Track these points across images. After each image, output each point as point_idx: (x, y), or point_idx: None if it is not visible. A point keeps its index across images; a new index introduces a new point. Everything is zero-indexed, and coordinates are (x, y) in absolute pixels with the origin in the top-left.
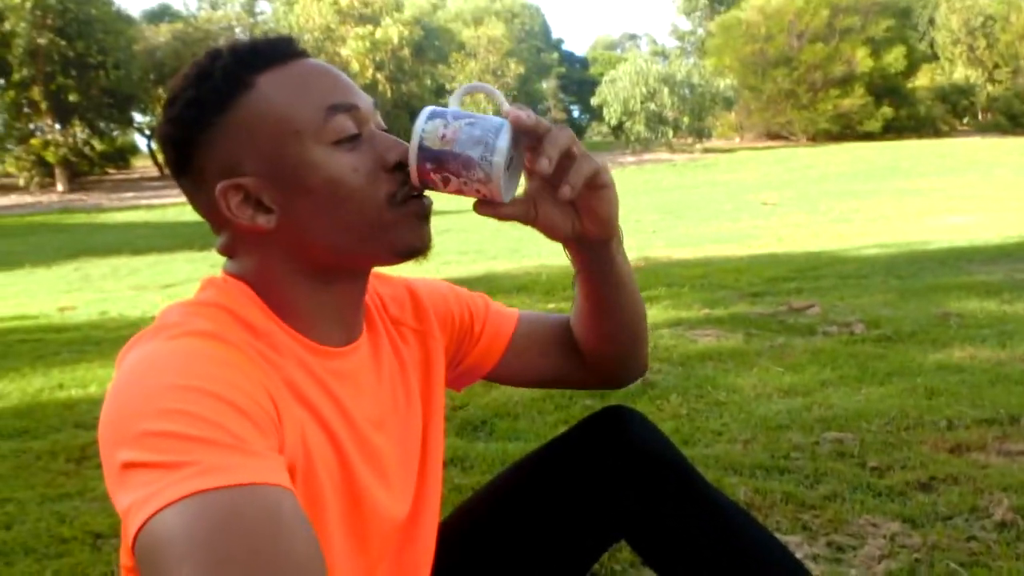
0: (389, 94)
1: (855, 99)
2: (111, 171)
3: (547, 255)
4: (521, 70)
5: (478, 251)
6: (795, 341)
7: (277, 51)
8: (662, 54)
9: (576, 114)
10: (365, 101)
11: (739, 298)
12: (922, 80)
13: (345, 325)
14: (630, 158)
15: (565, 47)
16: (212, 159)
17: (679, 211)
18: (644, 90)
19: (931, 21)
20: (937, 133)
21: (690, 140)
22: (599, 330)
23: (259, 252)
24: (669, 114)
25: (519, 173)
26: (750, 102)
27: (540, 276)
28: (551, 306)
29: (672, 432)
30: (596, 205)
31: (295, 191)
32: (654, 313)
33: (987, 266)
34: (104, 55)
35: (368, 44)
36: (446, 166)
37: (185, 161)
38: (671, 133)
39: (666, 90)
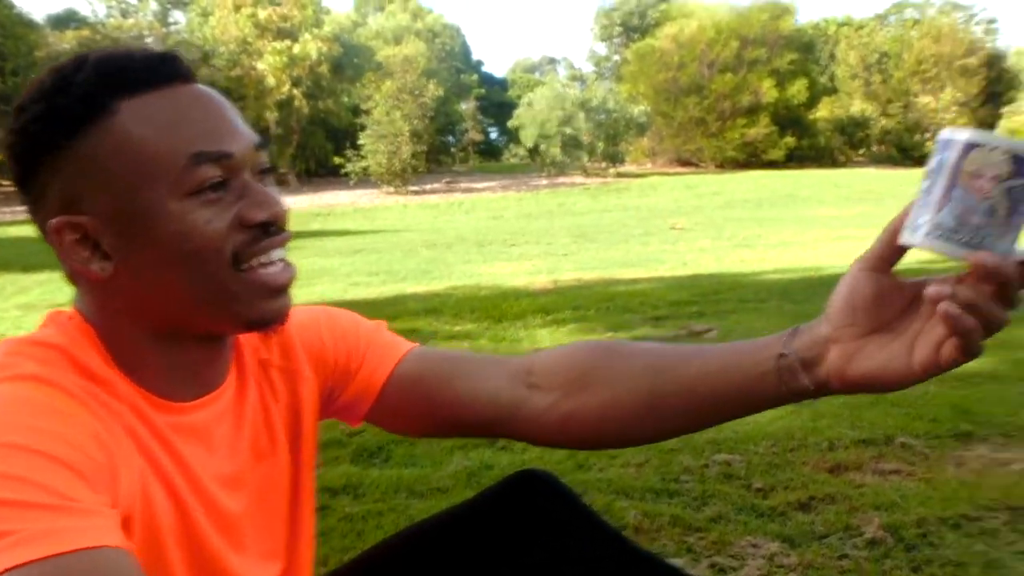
0: (305, 110)
1: (760, 128)
2: (4, 183)
3: (457, 277)
4: (440, 91)
5: (388, 272)
6: None
7: (152, 73)
8: (580, 79)
9: (494, 136)
10: (243, 144)
11: (642, 321)
12: (823, 112)
13: (198, 381)
14: (544, 181)
15: (485, 69)
16: (53, 186)
17: (591, 234)
18: (561, 114)
19: (832, 56)
20: (835, 163)
21: (604, 165)
22: (657, 426)
23: (99, 297)
24: (584, 138)
25: None
26: (662, 128)
27: (449, 298)
28: (458, 328)
29: (568, 457)
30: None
31: (139, 241)
32: (559, 335)
33: None
34: (3, 60)
35: (285, 59)
36: None
37: (26, 178)
38: (586, 157)
39: (582, 115)
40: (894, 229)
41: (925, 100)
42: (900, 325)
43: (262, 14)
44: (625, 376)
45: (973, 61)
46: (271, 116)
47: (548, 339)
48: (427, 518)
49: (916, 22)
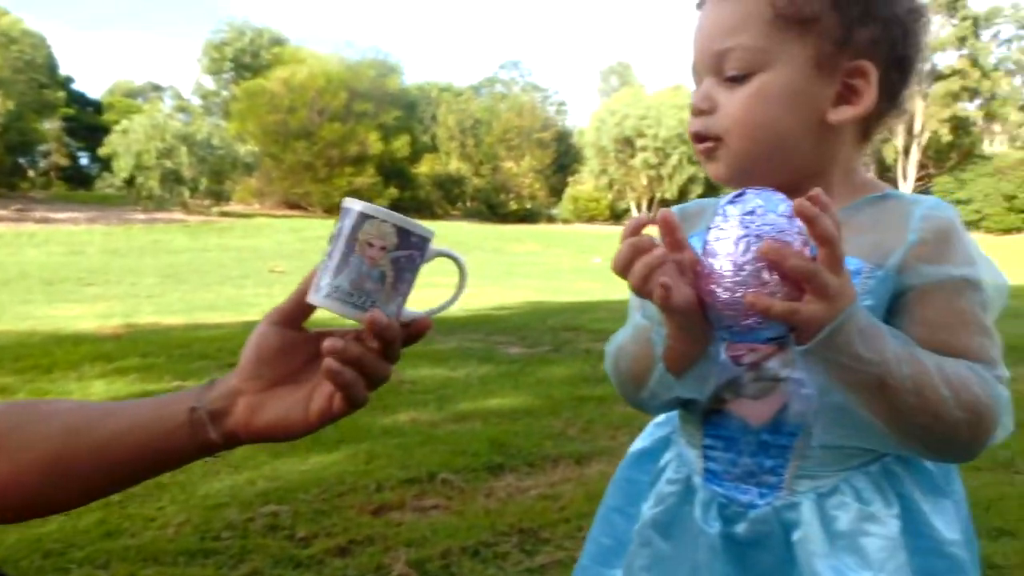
0: None
1: (367, 178)
2: None
3: (8, 320)
4: (11, 104)
5: None
6: None
7: None
8: (186, 111)
9: (85, 162)
10: None
11: (217, 368)
12: (424, 167)
13: None
14: (141, 216)
15: (76, 87)
16: None
17: (183, 275)
18: (160, 145)
19: (434, 117)
20: (434, 215)
21: (207, 202)
22: None
23: None
24: (187, 173)
25: None
26: (271, 170)
27: None
28: None
29: (97, 523)
30: None
31: None
32: (119, 386)
33: (446, 336)
34: None
35: None
36: None
37: None
38: (187, 193)
39: (184, 149)
40: (304, 288)
41: (509, 165)
42: (304, 376)
43: None
44: (36, 440)
45: (547, 135)
46: None
47: (104, 391)
48: None
49: (504, 96)
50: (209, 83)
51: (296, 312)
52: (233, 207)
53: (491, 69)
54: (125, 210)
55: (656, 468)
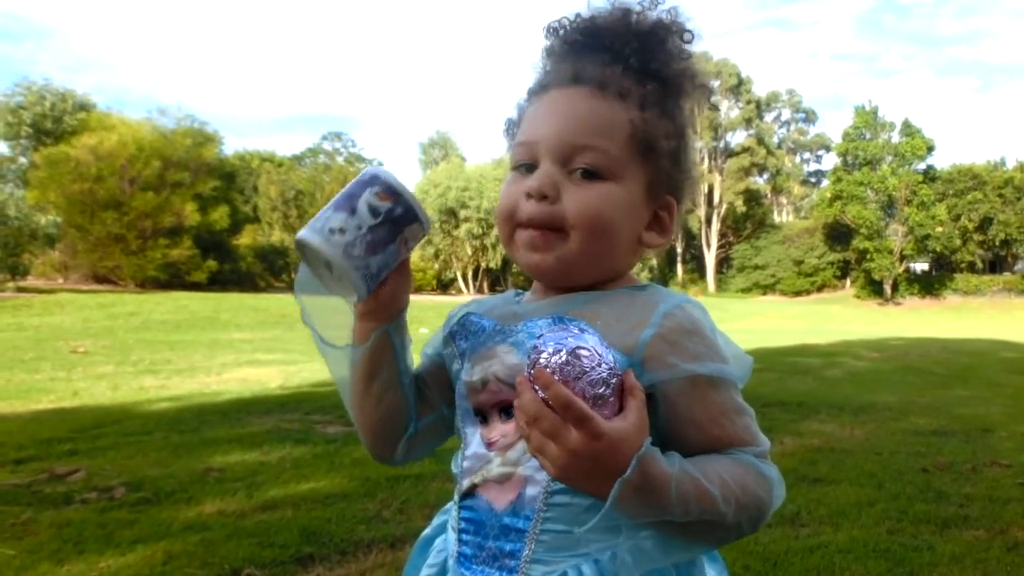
0: None
1: (183, 250)
2: None
3: None
4: None
5: None
6: (44, 515)
7: None
8: None
9: None
10: None
11: None
12: (246, 239)
13: None
14: None
15: None
16: None
17: None
18: None
19: (255, 187)
20: (256, 288)
21: (2, 277)
22: None
23: None
24: None
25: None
26: (77, 242)
27: None
28: None
29: None
30: None
31: None
32: None
33: (262, 416)
34: None
35: None
36: None
37: None
38: None
39: None
40: None
41: None
42: None
43: None
44: None
45: None
46: None
47: None
48: None
49: (327, 167)
50: (4, 149)
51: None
52: (31, 282)
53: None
54: None
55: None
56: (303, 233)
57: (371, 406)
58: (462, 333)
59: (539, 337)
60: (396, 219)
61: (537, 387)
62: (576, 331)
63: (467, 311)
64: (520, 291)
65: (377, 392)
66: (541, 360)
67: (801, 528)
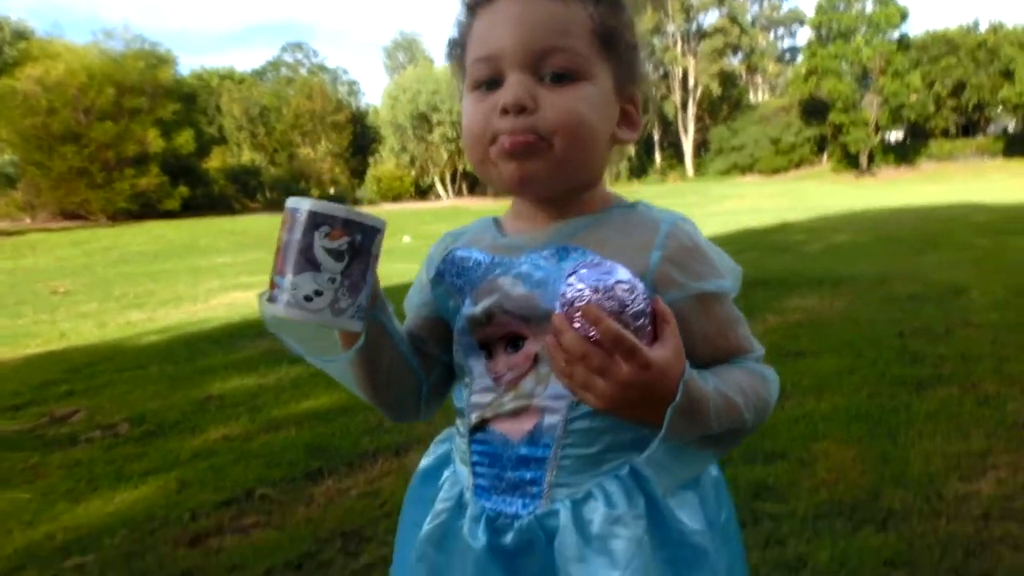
0: None
1: (152, 178)
2: None
3: None
4: None
5: None
6: (52, 457)
7: None
8: None
9: None
10: None
11: None
12: (215, 161)
13: None
14: None
15: None
16: None
17: None
18: None
19: (217, 107)
20: (231, 211)
21: None
22: None
23: None
24: None
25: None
26: (38, 179)
27: None
28: None
29: None
30: None
31: None
32: None
33: (254, 340)
34: None
35: None
36: None
37: None
38: None
39: None
40: None
41: (305, 151)
42: None
43: None
44: None
45: (341, 117)
46: None
47: None
48: None
49: (291, 80)
50: None
51: None
52: None
53: (272, 51)
54: None
55: (438, 485)
56: (278, 310)
57: (383, 387)
58: (452, 270)
59: (571, 275)
60: (360, 247)
61: (578, 324)
62: (608, 265)
63: (449, 247)
64: (494, 217)
65: (384, 373)
66: (584, 296)
67: (786, 400)
